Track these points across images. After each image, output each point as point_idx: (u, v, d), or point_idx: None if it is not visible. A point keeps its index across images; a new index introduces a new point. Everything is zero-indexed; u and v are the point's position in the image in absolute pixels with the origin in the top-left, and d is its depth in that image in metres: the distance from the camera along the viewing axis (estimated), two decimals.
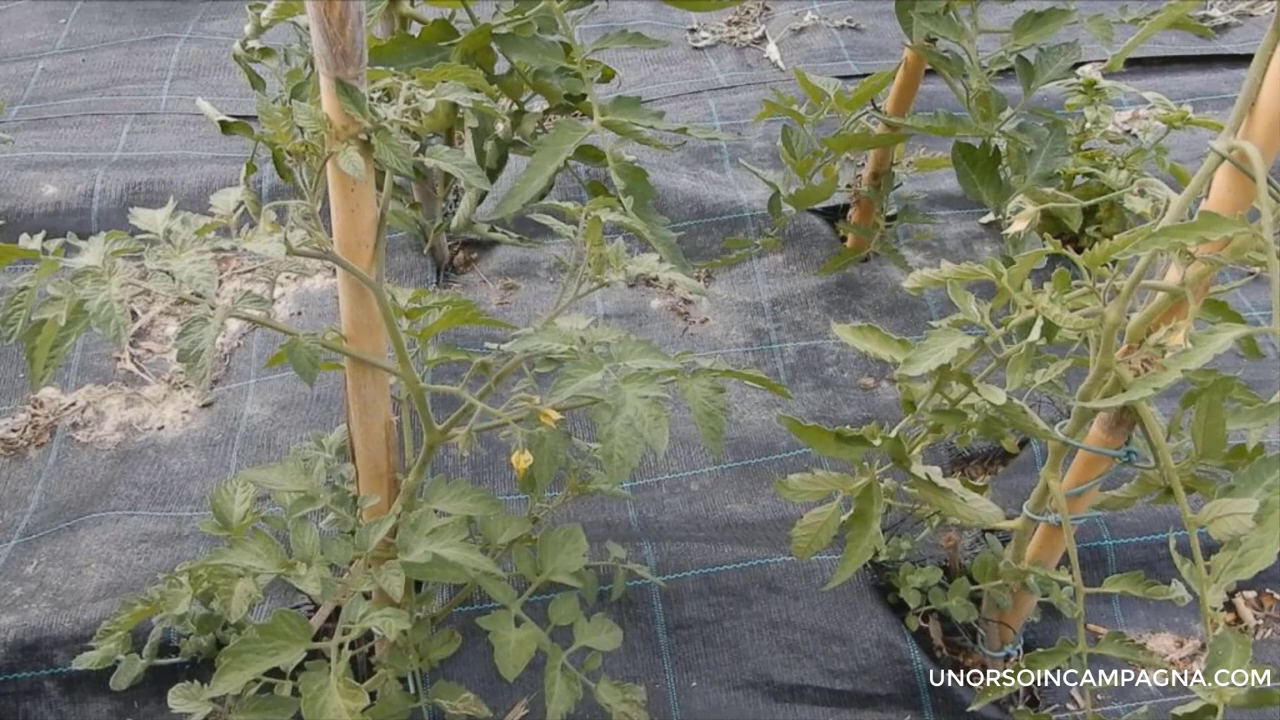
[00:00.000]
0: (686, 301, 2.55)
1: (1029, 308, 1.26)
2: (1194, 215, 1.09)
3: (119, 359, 2.36)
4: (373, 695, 1.45)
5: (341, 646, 1.30)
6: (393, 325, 1.33)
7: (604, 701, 1.53)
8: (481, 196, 2.39)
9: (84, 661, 1.51)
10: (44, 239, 1.17)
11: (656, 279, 1.65)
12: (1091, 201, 1.61)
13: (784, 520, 1.99)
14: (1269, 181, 1.09)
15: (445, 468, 2.09)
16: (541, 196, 1.78)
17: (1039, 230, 2.09)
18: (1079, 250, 1.23)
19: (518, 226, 2.51)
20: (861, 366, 2.37)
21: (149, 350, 2.40)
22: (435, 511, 1.40)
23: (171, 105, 3.17)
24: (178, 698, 1.40)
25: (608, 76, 2.04)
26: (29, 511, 2.03)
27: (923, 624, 1.83)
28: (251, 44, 2.08)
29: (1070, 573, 1.43)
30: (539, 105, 2.06)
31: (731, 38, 3.56)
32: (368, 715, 1.36)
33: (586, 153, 1.95)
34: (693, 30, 3.60)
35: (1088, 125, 2.50)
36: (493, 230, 2.39)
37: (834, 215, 2.74)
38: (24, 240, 1.16)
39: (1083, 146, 2.54)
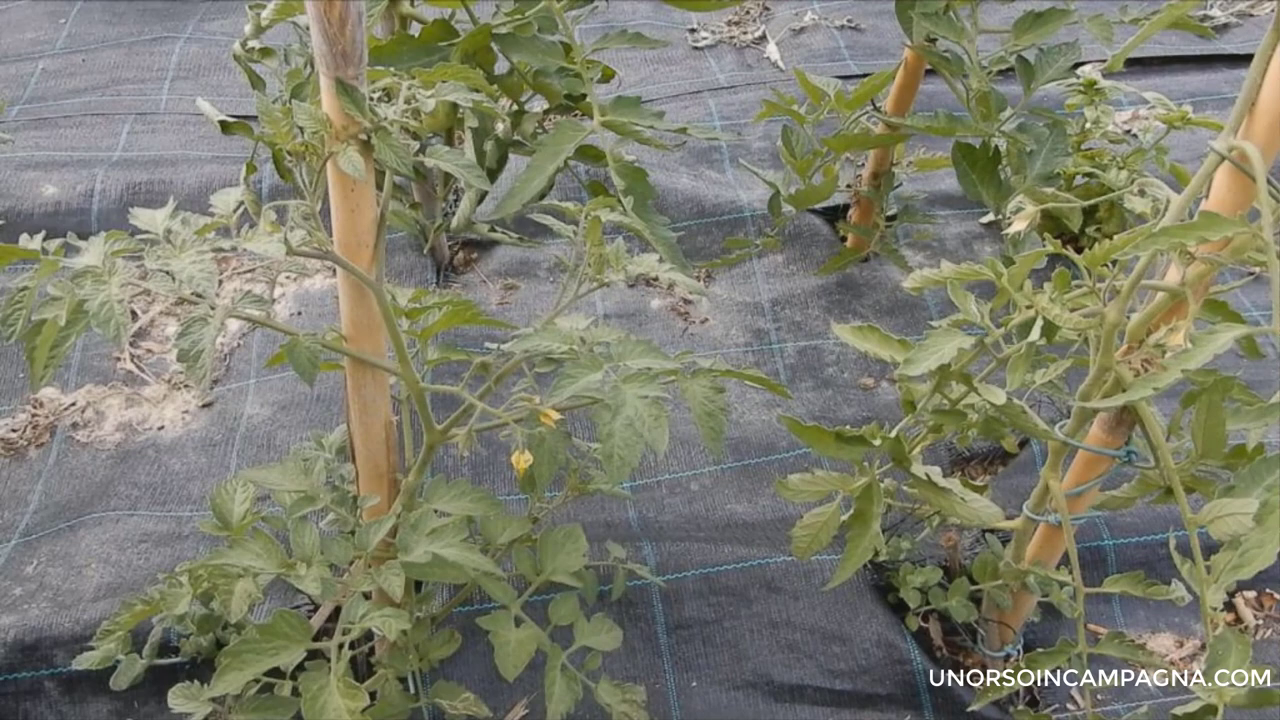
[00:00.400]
0: (686, 301, 2.55)
1: (1029, 308, 1.26)
2: (1194, 215, 1.09)
3: (119, 359, 2.36)
4: (373, 695, 1.45)
5: (341, 646, 1.30)
6: (393, 325, 1.33)
7: (604, 701, 1.53)
8: (481, 196, 2.39)
9: (84, 661, 1.51)
10: (44, 239, 1.17)
11: (656, 279, 1.65)
12: (1091, 201, 1.61)
13: (784, 520, 1.99)
14: (1269, 181, 1.09)
15: (445, 468, 2.09)
16: (541, 196, 1.78)
17: (1039, 230, 2.09)
18: (1079, 250, 1.23)
19: (518, 226, 2.51)
20: (861, 366, 2.37)
21: (149, 350, 2.40)
22: (435, 511, 1.40)
23: (171, 105, 3.17)
24: (178, 698, 1.40)
25: (608, 76, 2.04)
26: (29, 511, 2.03)
27: (923, 624, 1.83)
28: (251, 44, 2.08)
29: (1070, 573, 1.43)
30: (539, 105, 2.06)
31: (731, 38, 3.56)
32: (368, 715, 1.36)
33: (586, 153, 1.95)
34: (693, 30, 3.60)
35: (1088, 125, 2.50)
36: (493, 230, 2.39)
37: (834, 215, 2.74)
38: (24, 240, 1.16)
39: (1083, 146, 2.54)
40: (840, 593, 1.81)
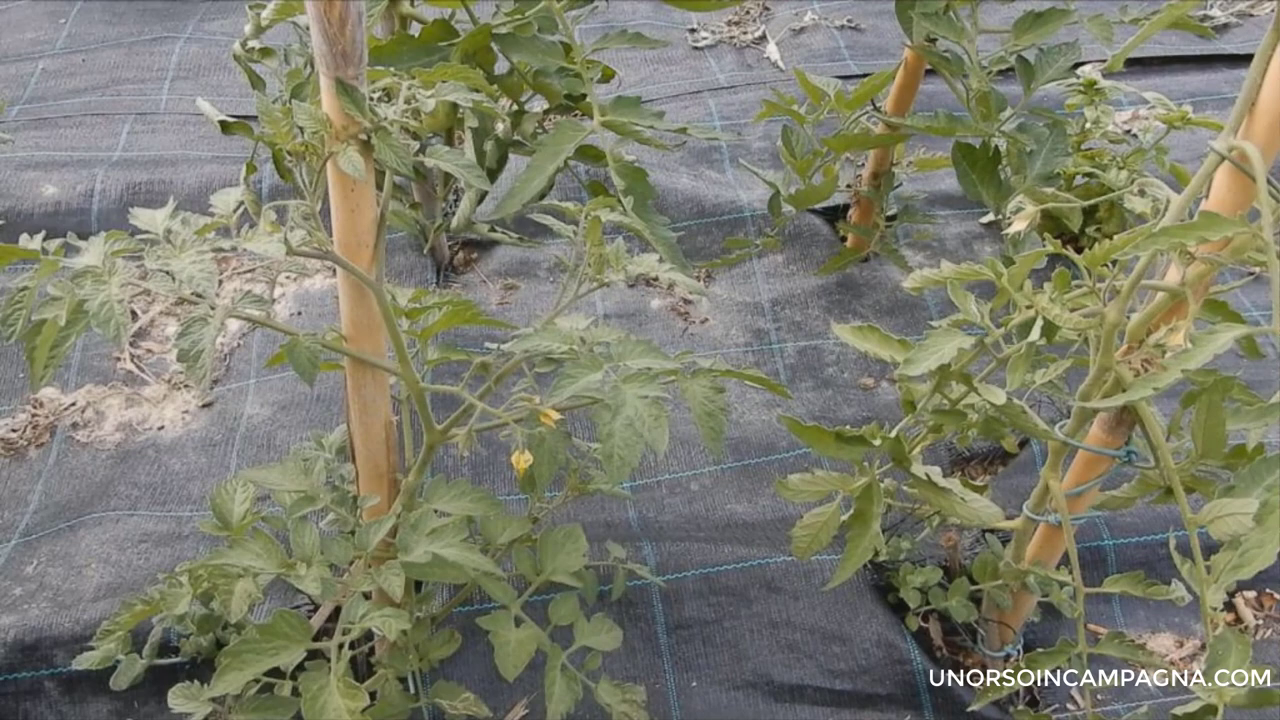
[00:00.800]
0: (686, 301, 2.55)
1: (1029, 308, 1.26)
2: (1194, 215, 1.09)
3: (119, 359, 2.36)
4: (373, 695, 1.45)
5: (341, 646, 1.30)
6: (393, 325, 1.33)
7: (604, 701, 1.53)
8: (481, 196, 2.39)
9: (84, 661, 1.51)
10: (44, 239, 1.17)
11: (656, 279, 1.65)
12: (1091, 201, 1.61)
13: (784, 520, 1.99)
14: (1269, 181, 1.09)
15: (445, 468, 2.09)
16: (541, 196, 1.78)
17: (1039, 230, 2.09)
18: (1079, 250, 1.23)
19: (518, 226, 2.51)
20: (861, 366, 2.37)
21: (149, 350, 2.40)
22: (435, 511, 1.40)
23: (171, 105, 3.17)
24: (178, 698, 1.40)
25: (608, 76, 2.04)
26: (29, 511, 2.03)
27: (923, 624, 1.83)
28: (251, 44, 2.08)
29: (1070, 573, 1.43)
30: (539, 105, 2.06)
31: (731, 38, 3.56)
32: (368, 715, 1.36)
33: (586, 153, 1.95)
34: (693, 30, 3.60)
35: (1088, 125, 2.50)
36: (493, 230, 2.39)
37: (834, 215, 2.74)
38: (24, 240, 1.16)
39: (1083, 146, 2.54)
40: (840, 593, 1.81)
